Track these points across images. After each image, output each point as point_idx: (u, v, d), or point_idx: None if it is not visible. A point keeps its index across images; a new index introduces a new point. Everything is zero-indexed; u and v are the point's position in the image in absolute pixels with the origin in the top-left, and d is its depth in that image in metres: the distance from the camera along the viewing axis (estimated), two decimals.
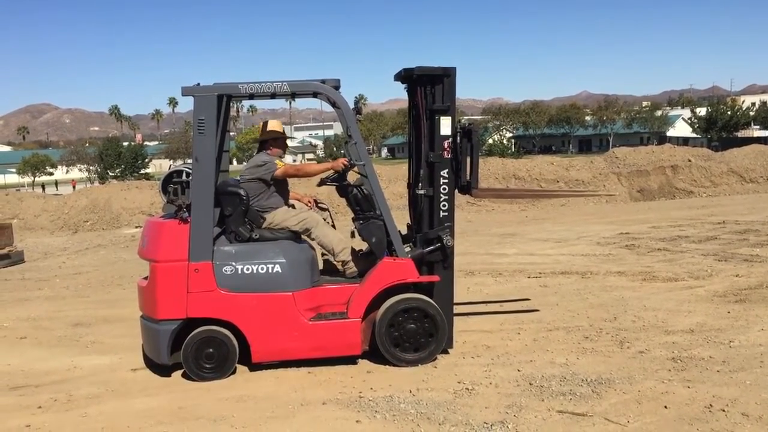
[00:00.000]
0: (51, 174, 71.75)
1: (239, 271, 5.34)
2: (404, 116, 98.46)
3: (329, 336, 5.43)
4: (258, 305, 5.35)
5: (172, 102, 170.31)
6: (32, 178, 71.73)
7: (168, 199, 5.71)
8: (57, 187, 59.12)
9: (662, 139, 68.01)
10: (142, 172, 60.29)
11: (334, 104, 5.55)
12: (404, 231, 6.02)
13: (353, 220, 5.81)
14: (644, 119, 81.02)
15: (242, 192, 5.56)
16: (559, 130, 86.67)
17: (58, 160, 72.69)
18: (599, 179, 21.18)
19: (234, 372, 5.43)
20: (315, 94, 5.70)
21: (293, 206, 6.01)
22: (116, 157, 60.46)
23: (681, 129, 77.81)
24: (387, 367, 5.49)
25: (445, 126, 5.68)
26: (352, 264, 5.73)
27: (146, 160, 63.97)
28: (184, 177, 5.80)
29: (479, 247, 11.46)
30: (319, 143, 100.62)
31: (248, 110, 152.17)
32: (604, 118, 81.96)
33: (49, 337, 7.08)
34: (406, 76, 5.74)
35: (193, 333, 5.31)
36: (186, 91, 5.35)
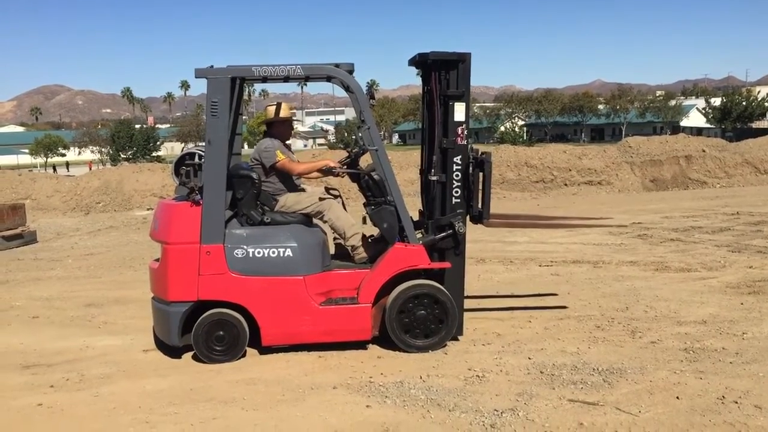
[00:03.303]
0: (63, 155, 72.06)
1: (250, 255, 5.34)
2: (416, 102, 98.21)
3: (339, 321, 5.43)
4: (269, 289, 5.35)
5: (184, 85, 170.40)
6: (45, 159, 72.07)
7: (180, 182, 5.71)
8: (68, 169, 59.36)
9: (676, 129, 67.42)
10: (154, 154, 60.44)
11: (348, 88, 5.51)
12: (416, 217, 5.99)
13: (365, 205, 5.79)
14: (658, 109, 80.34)
15: (254, 175, 5.56)
16: (571, 119, 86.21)
17: (71, 141, 73.00)
18: (612, 168, 21.04)
19: (244, 355, 5.45)
20: (329, 78, 5.66)
21: (304, 189, 6.00)
22: (128, 140, 60.67)
23: (695, 119, 77.13)
24: (397, 353, 5.49)
25: (459, 112, 5.63)
26: (361, 249, 5.72)
27: (158, 143, 64.16)
28: (196, 159, 5.79)
29: (490, 235, 11.41)
30: (331, 128, 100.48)
31: (260, 94, 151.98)
32: (618, 107, 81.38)
33: (62, 317, 7.12)
34: (420, 61, 5.70)
35: (204, 315, 5.32)
36: (199, 73, 5.32)
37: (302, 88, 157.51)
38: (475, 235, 10.55)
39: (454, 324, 5.55)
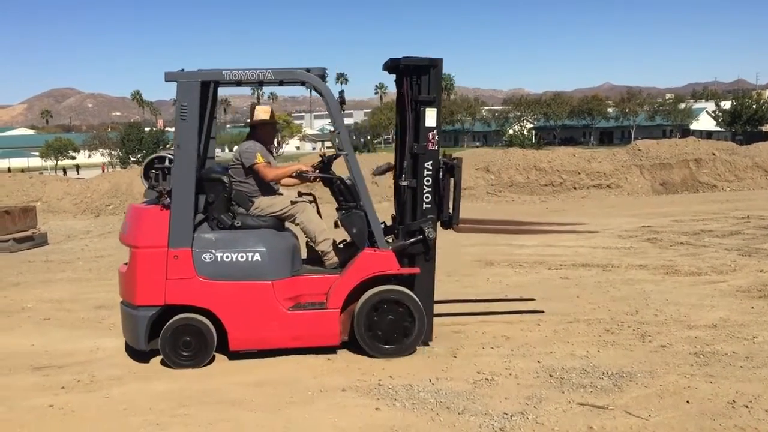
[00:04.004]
0: (73, 158, 72.43)
1: (219, 259, 5.31)
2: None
3: (307, 326, 5.41)
4: (236, 293, 5.33)
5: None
6: (55, 161, 72.46)
7: (150, 185, 5.68)
8: (78, 171, 59.65)
9: (685, 132, 67.18)
10: None
11: (320, 93, 5.52)
12: (390, 222, 6.00)
13: (337, 210, 5.79)
14: (667, 112, 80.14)
15: (225, 179, 5.54)
16: (580, 122, 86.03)
17: (81, 144, 73.37)
18: (621, 171, 20.96)
19: (212, 360, 5.42)
20: (303, 83, 5.67)
21: (281, 193, 5.95)
22: (138, 142, 60.90)
23: (705, 122, 76.84)
24: (406, 355, 5.49)
25: (431, 117, 5.61)
26: (332, 254, 5.68)
27: (167, 146, 64.33)
28: (167, 163, 5.76)
29: (499, 238, 11.40)
30: None
31: (269, 97, 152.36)
32: (627, 110, 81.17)
33: (72, 318, 7.16)
34: (393, 67, 5.69)
35: (171, 320, 5.29)
36: (169, 77, 5.31)
37: (311, 91, 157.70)
38: (483, 237, 10.57)
39: (423, 329, 5.53)
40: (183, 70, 5.40)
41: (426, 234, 5.61)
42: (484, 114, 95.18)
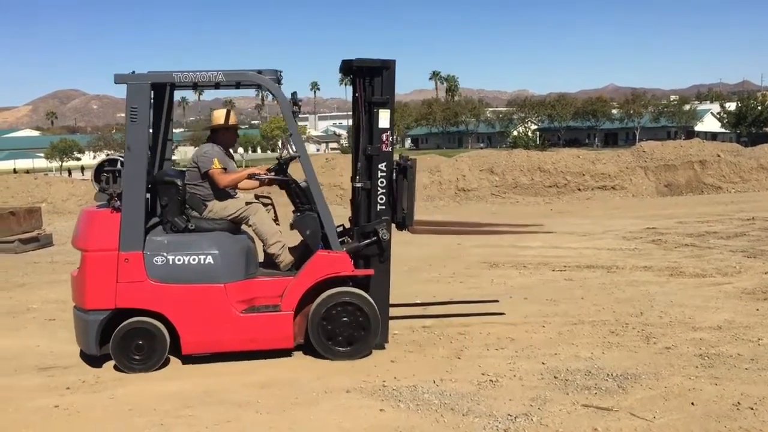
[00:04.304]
0: (78, 159, 72.59)
1: (170, 262, 5.27)
2: (429, 106, 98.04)
3: (261, 328, 5.37)
4: (188, 296, 5.29)
5: (198, 90, 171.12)
6: (60, 162, 72.62)
7: (100, 188, 5.64)
8: (83, 173, 59.76)
9: (690, 134, 67.06)
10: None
11: (273, 95, 5.51)
12: (349, 224, 6.00)
13: (293, 212, 5.78)
14: (672, 113, 79.96)
15: (178, 182, 5.50)
16: (584, 123, 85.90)
17: (86, 145, 73.54)
18: (626, 173, 20.96)
19: (166, 363, 5.40)
20: (257, 85, 5.65)
21: (236, 196, 5.92)
22: None
23: (709, 124, 76.70)
24: (411, 357, 5.50)
25: (384, 119, 5.62)
26: (284, 257, 5.64)
27: (172, 147, 64.37)
28: (118, 166, 5.71)
29: (503, 239, 11.40)
30: (343, 133, 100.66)
31: (273, 99, 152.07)
32: (631, 111, 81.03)
33: None
34: (348, 68, 5.67)
35: (122, 324, 5.25)
36: (118, 79, 5.30)
37: (315, 92, 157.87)
38: (487, 239, 10.56)
39: (377, 331, 5.51)
40: (134, 72, 5.37)
41: (380, 235, 5.59)
42: (489, 115, 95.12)
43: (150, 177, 5.47)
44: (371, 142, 5.64)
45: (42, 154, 76.30)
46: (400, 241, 10.29)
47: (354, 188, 5.77)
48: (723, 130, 67.56)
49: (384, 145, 5.64)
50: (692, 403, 4.34)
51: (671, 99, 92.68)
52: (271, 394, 4.75)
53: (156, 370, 5.30)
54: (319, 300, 5.44)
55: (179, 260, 5.29)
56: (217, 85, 5.60)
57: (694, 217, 13.86)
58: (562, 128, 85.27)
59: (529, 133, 72.52)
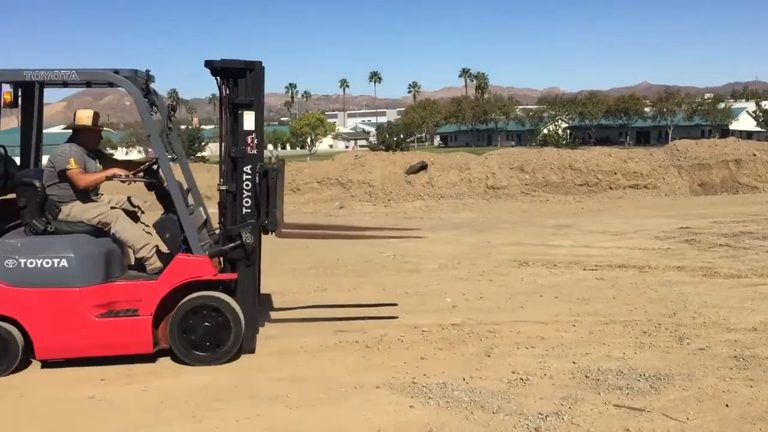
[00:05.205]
0: (112, 155, 73.56)
1: (22, 265, 5.13)
2: (458, 104, 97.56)
3: (118, 333, 5.23)
4: (41, 300, 5.14)
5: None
6: None
7: None
8: None
9: (725, 133, 65.89)
10: (199, 155, 61.42)
11: (130, 94, 5.41)
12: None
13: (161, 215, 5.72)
14: (706, 111, 78.71)
15: (37, 183, 5.38)
16: (616, 121, 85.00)
17: (119, 141, 74.67)
18: (659, 172, 20.65)
19: (26, 365, 5.31)
20: (111, 84, 5.53)
21: (99, 197, 5.85)
22: None
23: (745, 122, 75.37)
24: (440, 354, 5.49)
25: (249, 121, 5.50)
26: (153, 260, 5.56)
27: (203, 144, 65.16)
28: None
29: (534, 238, 11.33)
30: (372, 130, 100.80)
31: (302, 95, 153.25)
32: (664, 109, 79.94)
33: None
34: (212, 69, 5.54)
35: None
36: None
37: (344, 89, 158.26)
38: (518, 237, 10.51)
39: (240, 336, 5.39)
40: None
41: (243, 239, 5.47)
42: (519, 113, 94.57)
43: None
44: (236, 145, 5.53)
45: None
46: (430, 240, 10.29)
47: (220, 191, 5.67)
48: (759, 129, 66.31)
49: (249, 148, 5.51)
50: (727, 405, 4.27)
51: (705, 97, 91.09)
52: (301, 389, 4.78)
53: (8, 375, 5.14)
54: (179, 305, 5.30)
55: (31, 263, 5.14)
56: (65, 84, 5.44)
57: (729, 216, 13.61)
58: (594, 126, 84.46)
59: (560, 131, 71.87)
